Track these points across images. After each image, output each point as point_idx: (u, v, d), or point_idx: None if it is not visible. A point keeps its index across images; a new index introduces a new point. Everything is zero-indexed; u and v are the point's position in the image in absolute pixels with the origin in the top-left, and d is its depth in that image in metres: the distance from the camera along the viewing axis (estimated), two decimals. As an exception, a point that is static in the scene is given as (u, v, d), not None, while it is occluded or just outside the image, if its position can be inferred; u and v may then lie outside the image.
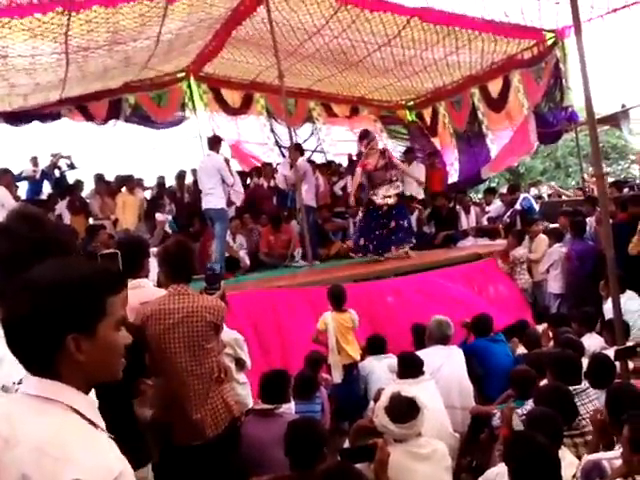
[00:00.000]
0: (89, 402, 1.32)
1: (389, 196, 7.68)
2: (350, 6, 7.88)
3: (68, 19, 6.61)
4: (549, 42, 9.25)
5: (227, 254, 8.19)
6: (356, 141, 8.76)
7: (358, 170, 7.95)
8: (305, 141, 12.64)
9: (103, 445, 1.26)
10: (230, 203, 8.50)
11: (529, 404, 3.82)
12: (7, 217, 2.00)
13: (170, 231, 9.32)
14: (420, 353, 4.62)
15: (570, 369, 3.79)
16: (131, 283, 3.21)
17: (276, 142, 12.12)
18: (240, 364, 4.14)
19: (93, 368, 1.32)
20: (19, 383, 1.47)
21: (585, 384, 3.79)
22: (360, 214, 8.30)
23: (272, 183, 10.26)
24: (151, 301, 3.23)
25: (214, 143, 7.83)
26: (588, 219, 7.36)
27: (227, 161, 8.03)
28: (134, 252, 3.33)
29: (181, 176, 10.55)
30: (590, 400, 3.72)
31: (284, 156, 9.59)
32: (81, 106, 10.28)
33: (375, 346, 5.21)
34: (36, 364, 1.28)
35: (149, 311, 3.18)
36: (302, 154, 9.04)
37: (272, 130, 12.11)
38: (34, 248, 1.69)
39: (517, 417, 3.65)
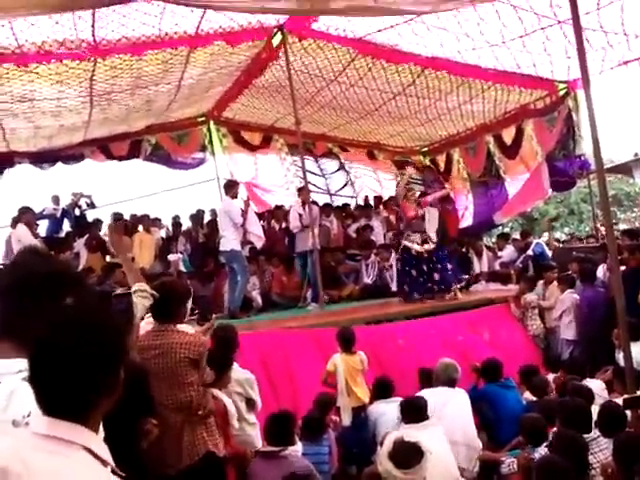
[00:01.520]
0: (101, 441, 1.35)
1: (426, 241, 7.83)
2: (366, 56, 8.11)
3: (94, 65, 6.90)
4: (561, 92, 9.40)
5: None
6: (398, 182, 8.94)
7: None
8: (333, 173, 12.86)
9: None
10: (246, 243, 8.67)
11: (539, 451, 3.80)
12: (17, 253, 2.06)
13: (184, 270, 9.44)
14: (425, 392, 4.63)
15: (581, 417, 3.78)
16: (156, 325, 3.36)
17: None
18: (250, 404, 4.16)
19: (109, 407, 1.38)
20: (28, 416, 1.49)
21: (595, 433, 3.76)
22: (395, 261, 8.48)
23: (283, 225, 10.40)
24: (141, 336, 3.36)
25: (227, 187, 8.29)
26: (601, 266, 7.35)
27: (247, 204, 8.26)
28: (166, 299, 3.38)
29: (197, 216, 10.72)
30: (600, 449, 3.68)
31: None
32: (103, 146, 10.56)
33: (382, 389, 5.20)
34: (76, 407, 1.30)
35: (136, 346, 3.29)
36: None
37: (294, 164, 12.23)
38: (45, 281, 1.72)
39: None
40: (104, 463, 1.31)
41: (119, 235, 8.53)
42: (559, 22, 6.71)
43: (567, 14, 6.27)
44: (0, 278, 1.75)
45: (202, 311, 3.95)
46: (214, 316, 3.80)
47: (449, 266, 7.95)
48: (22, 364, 1.57)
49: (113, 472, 1.33)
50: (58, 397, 1.30)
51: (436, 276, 7.79)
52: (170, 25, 6.55)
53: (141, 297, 3.02)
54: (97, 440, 1.33)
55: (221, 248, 7.99)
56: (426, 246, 7.82)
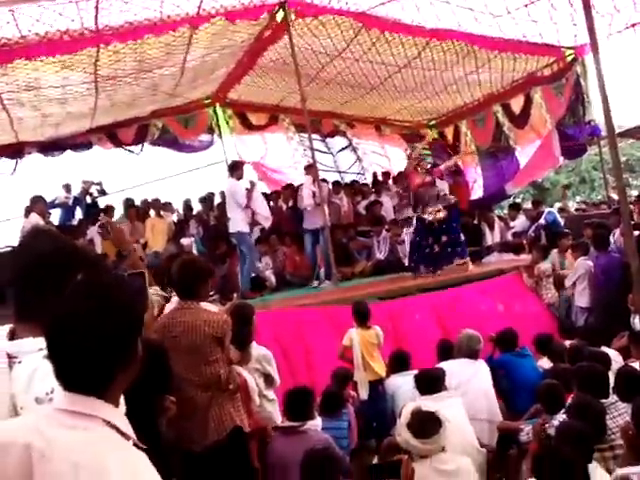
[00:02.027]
0: (122, 415, 1.36)
1: (438, 210, 7.76)
2: (370, 29, 8.01)
3: (97, 51, 6.88)
4: (568, 59, 9.27)
5: (253, 274, 8.34)
6: (408, 156, 8.93)
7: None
8: (341, 150, 12.79)
9: (138, 459, 1.30)
10: (254, 224, 8.69)
11: (557, 418, 3.81)
12: (25, 234, 2.06)
13: (197, 253, 9.49)
14: (447, 364, 4.65)
15: (598, 382, 3.78)
16: (180, 303, 3.39)
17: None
18: (269, 380, 4.20)
19: (128, 381, 1.39)
20: (51, 393, 1.50)
21: (613, 397, 3.77)
22: (409, 234, 8.49)
23: (290, 204, 10.39)
24: (162, 315, 3.39)
25: (232, 169, 8.19)
26: (614, 231, 7.30)
27: (252, 184, 8.21)
28: (188, 276, 3.45)
29: (207, 199, 10.74)
30: (619, 414, 3.69)
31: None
32: (110, 133, 10.57)
33: (398, 362, 5.23)
34: (95, 381, 1.30)
35: (159, 324, 3.38)
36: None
37: (302, 142, 12.18)
38: (56, 259, 1.73)
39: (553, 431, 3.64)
40: (125, 436, 1.31)
41: (119, 232, 8.55)
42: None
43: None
44: (12, 260, 1.77)
45: (218, 292, 4.00)
46: (235, 295, 3.84)
47: (462, 237, 7.89)
48: (42, 342, 1.60)
49: (135, 445, 1.33)
50: (76, 371, 1.29)
51: (436, 248, 7.77)
52: (171, 7, 6.50)
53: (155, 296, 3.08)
54: (118, 413, 1.33)
55: (230, 230, 8.03)
56: (438, 215, 7.77)
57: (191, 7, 6.67)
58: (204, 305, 3.48)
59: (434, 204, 7.81)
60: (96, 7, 5.85)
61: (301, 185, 9.49)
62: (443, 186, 10.15)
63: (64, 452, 1.20)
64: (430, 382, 4.15)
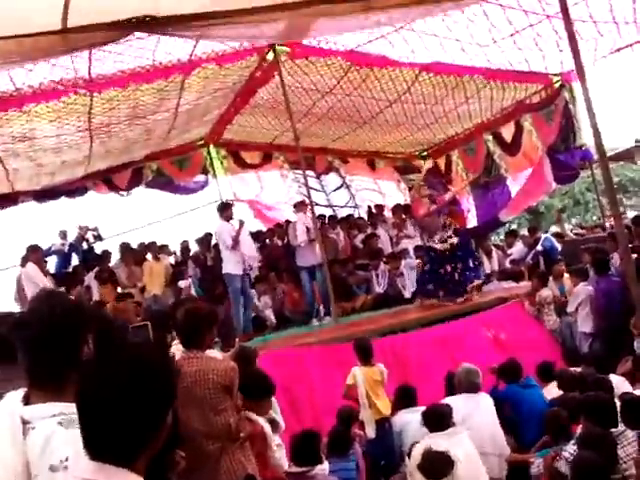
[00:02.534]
0: None
1: (449, 236, 7.80)
2: (360, 66, 8.15)
3: (91, 99, 6.97)
4: (556, 85, 9.43)
5: (254, 314, 8.31)
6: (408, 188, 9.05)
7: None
8: (335, 190, 12.88)
9: None
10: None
11: (567, 450, 3.76)
12: (32, 299, 2.05)
13: (195, 295, 9.45)
14: (448, 400, 4.58)
15: (606, 413, 3.75)
16: (186, 353, 3.37)
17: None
18: (274, 425, 4.14)
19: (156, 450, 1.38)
20: (66, 460, 1.49)
21: (621, 426, 3.73)
22: (420, 263, 8.56)
23: (285, 241, 10.40)
24: None
25: (220, 210, 8.20)
26: (612, 255, 7.30)
27: (242, 224, 8.17)
28: (194, 325, 3.41)
29: (204, 240, 10.74)
30: (629, 442, 3.66)
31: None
32: (105, 178, 10.63)
33: (405, 397, 5.17)
34: (125, 451, 1.29)
35: None
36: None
37: (296, 180, 12.25)
38: (67, 323, 1.72)
39: (564, 463, 3.59)
40: None
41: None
42: (548, 17, 6.74)
43: (555, 8, 6.33)
44: (22, 326, 1.76)
45: (220, 336, 3.98)
46: (237, 340, 3.81)
47: (471, 264, 7.90)
48: (57, 408, 1.58)
49: None
50: (107, 441, 1.28)
51: (456, 276, 7.77)
52: (164, 55, 6.61)
53: None
54: None
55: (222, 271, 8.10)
56: (449, 240, 7.78)
57: (183, 54, 6.78)
58: (209, 353, 3.44)
59: (441, 232, 7.85)
60: (89, 58, 5.93)
61: (291, 222, 9.50)
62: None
63: None
64: (439, 418, 4.10)
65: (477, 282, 7.83)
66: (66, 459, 1.49)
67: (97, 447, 1.29)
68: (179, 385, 3.19)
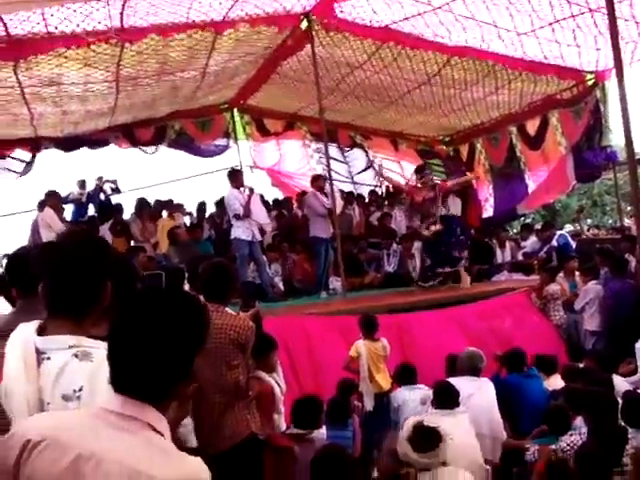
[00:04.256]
0: (166, 424, 1.37)
1: (434, 222, 7.91)
2: (392, 43, 8.06)
3: (120, 50, 6.94)
4: (589, 83, 9.29)
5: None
6: (412, 173, 9.10)
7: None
8: (362, 171, 12.84)
9: (187, 459, 1.32)
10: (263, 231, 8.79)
11: (564, 440, 3.80)
12: (61, 234, 2.07)
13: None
14: (450, 380, 4.63)
15: (610, 409, 3.78)
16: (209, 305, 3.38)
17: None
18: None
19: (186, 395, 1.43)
20: (80, 390, 1.52)
21: (621, 423, 3.76)
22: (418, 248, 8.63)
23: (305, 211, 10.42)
24: None
25: (230, 176, 8.22)
26: (627, 257, 7.27)
27: (252, 191, 8.17)
28: (219, 279, 3.47)
29: (221, 202, 10.77)
30: (628, 439, 3.69)
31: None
32: (128, 132, 10.65)
33: (405, 375, 5.22)
34: (151, 390, 1.31)
35: None
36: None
37: (318, 150, 12.22)
38: (97, 261, 1.72)
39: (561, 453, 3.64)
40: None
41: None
42: (590, 10, 6.60)
43: (598, 2, 6.22)
44: (48, 256, 1.78)
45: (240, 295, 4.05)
46: (257, 302, 3.87)
47: (453, 240, 8.04)
48: (73, 340, 1.60)
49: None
50: (135, 379, 1.31)
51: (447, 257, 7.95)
52: (198, 14, 6.57)
53: None
54: (163, 422, 1.34)
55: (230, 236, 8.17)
56: (432, 227, 7.84)
57: (216, 14, 6.73)
58: (228, 310, 3.48)
59: (432, 219, 7.91)
60: (122, 6, 5.90)
61: (308, 193, 9.48)
62: (455, 204, 10.19)
63: (114, 453, 1.23)
64: (448, 396, 4.16)
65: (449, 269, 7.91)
66: (80, 389, 1.51)
67: (125, 382, 1.31)
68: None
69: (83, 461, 1.23)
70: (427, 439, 3.31)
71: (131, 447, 1.25)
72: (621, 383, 4.90)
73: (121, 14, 6.13)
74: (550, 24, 7.10)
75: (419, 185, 8.16)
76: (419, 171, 8.56)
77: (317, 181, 8.93)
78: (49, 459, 1.25)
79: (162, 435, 1.31)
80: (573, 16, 6.83)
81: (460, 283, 7.93)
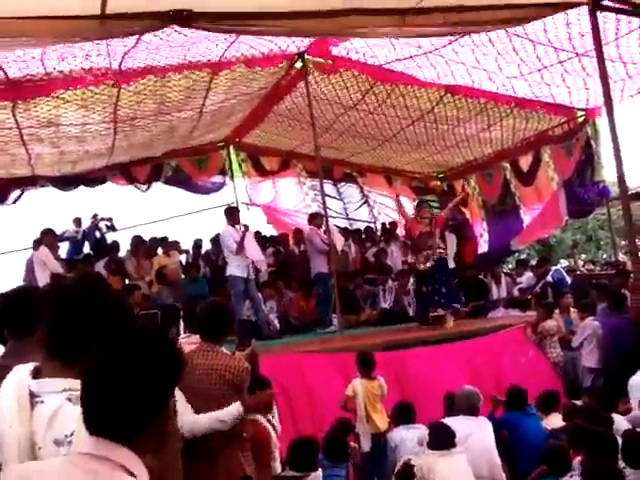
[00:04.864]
0: (139, 462, 1.36)
1: (427, 259, 7.90)
2: (386, 82, 8.22)
3: (118, 91, 7.05)
4: (579, 120, 9.44)
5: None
6: (413, 207, 9.22)
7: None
8: (358, 208, 12.94)
9: None
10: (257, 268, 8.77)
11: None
12: (74, 275, 2.06)
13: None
14: (447, 421, 4.57)
15: (610, 448, 3.74)
16: (202, 345, 3.38)
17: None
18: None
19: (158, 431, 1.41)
20: (71, 435, 1.51)
21: (621, 463, 3.71)
22: (411, 284, 8.68)
23: (302, 248, 10.45)
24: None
25: (226, 214, 8.32)
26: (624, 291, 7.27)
27: (247, 228, 8.22)
28: (217, 319, 3.45)
29: (217, 239, 10.78)
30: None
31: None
32: (125, 171, 10.72)
33: (403, 413, 5.15)
34: (124, 429, 1.32)
35: None
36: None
37: (313, 187, 12.34)
38: (100, 308, 1.73)
39: None
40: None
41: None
42: (577, 55, 6.76)
43: (585, 47, 6.38)
44: (47, 298, 1.78)
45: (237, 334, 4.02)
46: (253, 341, 3.83)
47: (443, 290, 7.93)
48: (67, 383, 1.59)
49: None
50: (106, 419, 1.32)
51: (435, 297, 7.86)
52: (195, 56, 6.69)
53: None
54: (135, 460, 1.34)
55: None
56: (427, 264, 7.89)
57: (214, 56, 6.86)
58: (224, 350, 3.46)
59: (427, 254, 7.94)
60: (123, 53, 6.01)
61: (310, 229, 9.51)
62: (451, 239, 10.24)
63: None
64: (444, 437, 4.10)
65: (446, 310, 7.83)
66: (71, 434, 1.50)
67: (96, 422, 1.33)
68: (189, 375, 3.22)
69: None
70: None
71: None
72: (620, 422, 4.85)
73: (120, 60, 6.25)
74: (539, 70, 7.27)
75: (418, 219, 8.22)
76: (418, 205, 8.63)
77: (315, 219, 8.97)
78: None
79: (134, 476, 1.31)
80: (561, 62, 6.99)
81: (445, 324, 7.86)
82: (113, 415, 1.31)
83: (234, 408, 3.20)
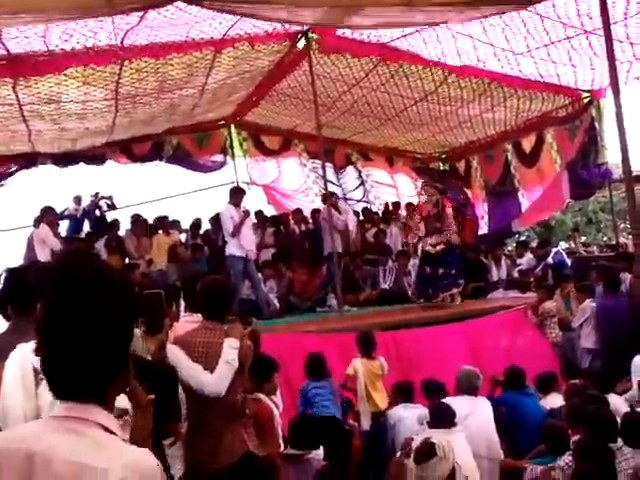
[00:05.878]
0: (112, 418, 1.36)
1: (438, 243, 7.89)
2: (390, 61, 8.14)
3: (120, 68, 6.98)
4: (584, 101, 9.38)
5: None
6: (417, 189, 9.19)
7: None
8: (353, 190, 12.89)
9: (136, 450, 1.32)
10: (263, 247, 8.76)
11: (563, 459, 3.79)
12: (69, 252, 2.05)
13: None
14: (447, 400, 4.61)
15: (608, 427, 3.78)
16: (204, 323, 3.39)
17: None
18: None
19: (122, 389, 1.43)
20: None
21: (619, 442, 3.75)
22: (416, 262, 8.60)
23: (303, 228, 10.44)
24: (182, 333, 3.36)
25: (231, 193, 8.25)
26: (622, 275, 7.28)
27: (247, 214, 8.20)
28: (219, 297, 3.45)
29: (216, 219, 10.76)
30: (625, 458, 3.68)
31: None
32: (125, 148, 10.66)
33: (402, 393, 5.18)
34: (91, 388, 1.30)
35: (177, 342, 3.32)
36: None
37: (314, 170, 12.28)
38: (99, 286, 1.75)
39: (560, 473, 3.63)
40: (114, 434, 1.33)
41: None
42: (585, 32, 6.69)
43: (593, 25, 6.30)
44: (52, 275, 1.77)
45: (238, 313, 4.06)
46: (254, 320, 3.84)
47: (453, 271, 7.97)
48: None
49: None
50: (74, 380, 1.30)
51: (444, 280, 7.88)
52: (197, 33, 6.62)
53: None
54: (108, 416, 1.34)
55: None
56: (438, 247, 7.88)
57: (216, 34, 6.79)
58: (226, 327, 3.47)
59: (436, 237, 7.91)
60: (125, 33, 5.95)
61: (319, 210, 9.47)
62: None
63: (63, 454, 1.22)
64: (445, 416, 4.13)
65: (452, 291, 7.87)
66: None
67: (64, 387, 1.31)
68: (191, 353, 3.22)
69: (35, 464, 1.23)
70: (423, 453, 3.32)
71: (77, 445, 1.24)
72: (618, 401, 4.89)
73: (122, 37, 6.18)
74: (545, 45, 7.19)
75: (425, 200, 8.22)
76: (424, 186, 8.60)
77: (329, 199, 8.86)
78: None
79: (114, 433, 1.31)
80: (568, 38, 6.91)
81: (453, 302, 7.91)
82: (79, 371, 1.29)
83: (228, 345, 3.20)
